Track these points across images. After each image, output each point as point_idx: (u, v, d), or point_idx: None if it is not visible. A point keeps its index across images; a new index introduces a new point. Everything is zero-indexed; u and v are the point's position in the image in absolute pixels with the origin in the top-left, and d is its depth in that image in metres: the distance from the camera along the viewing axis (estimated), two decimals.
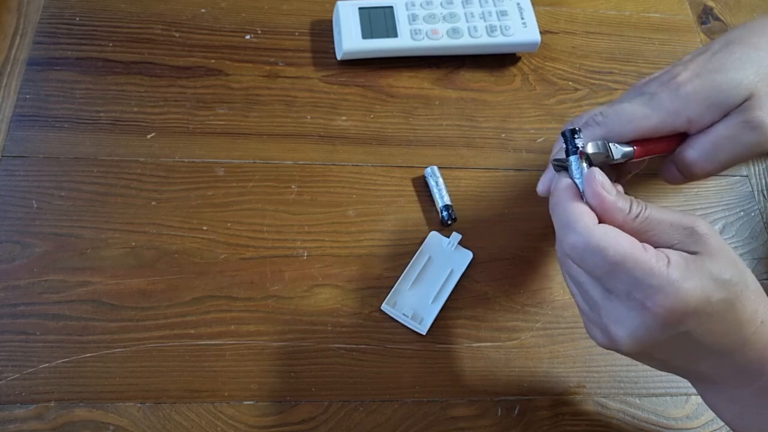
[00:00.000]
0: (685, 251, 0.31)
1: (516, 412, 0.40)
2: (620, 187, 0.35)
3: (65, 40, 0.50)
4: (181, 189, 0.45)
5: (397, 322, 0.42)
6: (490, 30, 0.51)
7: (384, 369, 0.41)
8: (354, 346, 0.41)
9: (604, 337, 0.33)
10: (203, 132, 0.47)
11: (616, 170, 0.39)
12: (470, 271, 0.44)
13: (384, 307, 0.42)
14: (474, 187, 0.47)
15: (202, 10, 0.53)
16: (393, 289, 0.43)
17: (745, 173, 0.50)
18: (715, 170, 0.37)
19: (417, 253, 0.44)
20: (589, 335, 0.35)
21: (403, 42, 0.50)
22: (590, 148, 0.34)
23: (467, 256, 0.44)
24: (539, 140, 0.50)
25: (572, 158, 0.34)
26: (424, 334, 0.42)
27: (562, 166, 0.35)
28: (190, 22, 0.52)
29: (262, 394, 0.39)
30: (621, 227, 0.32)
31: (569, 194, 0.33)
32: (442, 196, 0.45)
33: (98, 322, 0.40)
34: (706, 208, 0.48)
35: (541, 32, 0.52)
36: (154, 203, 0.44)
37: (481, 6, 0.52)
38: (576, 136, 0.34)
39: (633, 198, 0.33)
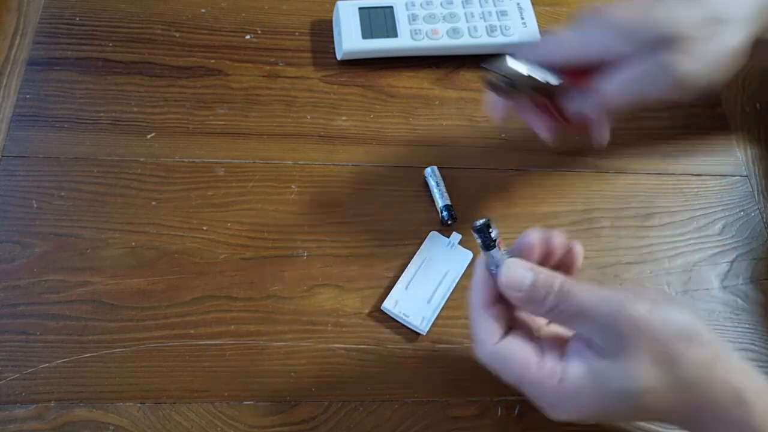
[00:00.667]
0: (601, 348, 0.32)
1: (516, 412, 0.40)
2: (558, 238, 0.35)
3: (65, 40, 0.50)
4: (181, 189, 0.45)
5: (397, 322, 0.42)
6: (490, 30, 0.51)
7: (384, 369, 0.41)
8: (354, 346, 0.41)
9: None
10: (203, 132, 0.47)
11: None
12: (470, 271, 0.44)
13: (384, 307, 0.42)
14: (474, 187, 0.47)
15: (202, 10, 0.53)
16: (393, 289, 0.43)
17: (745, 173, 0.50)
18: (628, 104, 0.36)
19: (417, 253, 0.44)
20: None
21: (403, 42, 0.50)
22: (509, 63, 0.34)
23: (467, 256, 0.44)
24: (539, 140, 0.50)
25: (490, 252, 0.34)
26: (424, 334, 0.42)
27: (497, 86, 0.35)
28: (190, 22, 0.52)
29: (262, 394, 0.39)
30: (539, 315, 0.34)
31: (480, 299, 0.34)
32: (442, 196, 0.45)
33: (98, 322, 0.40)
34: (705, 208, 0.48)
35: (541, 32, 0.52)
36: (154, 203, 0.44)
37: (481, 6, 0.52)
38: (490, 229, 0.34)
39: (553, 285, 0.33)
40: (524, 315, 0.36)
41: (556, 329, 0.36)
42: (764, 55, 0.40)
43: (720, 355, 0.32)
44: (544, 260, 0.36)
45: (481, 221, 0.34)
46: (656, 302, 0.32)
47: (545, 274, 0.33)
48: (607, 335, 0.31)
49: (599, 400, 0.32)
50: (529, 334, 0.35)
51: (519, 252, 0.35)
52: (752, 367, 0.33)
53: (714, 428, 0.32)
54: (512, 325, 0.35)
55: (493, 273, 0.35)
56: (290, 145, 0.48)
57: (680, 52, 0.34)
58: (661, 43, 0.35)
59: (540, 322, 0.36)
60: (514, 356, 0.33)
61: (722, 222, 0.48)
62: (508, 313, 0.35)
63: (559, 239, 0.35)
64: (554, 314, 0.33)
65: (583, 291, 0.32)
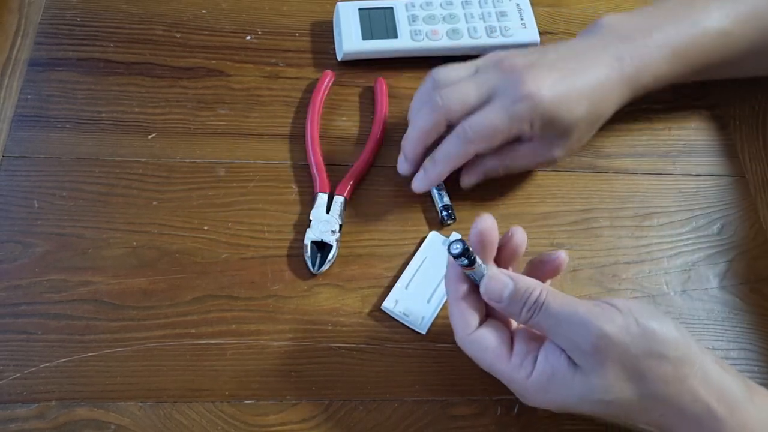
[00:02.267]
0: (573, 356, 0.33)
1: (515, 411, 0.40)
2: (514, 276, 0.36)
3: (67, 40, 0.50)
4: (183, 189, 0.45)
5: (397, 321, 0.42)
6: (490, 31, 0.51)
7: (384, 368, 0.41)
8: (354, 345, 0.42)
9: None
10: (204, 132, 0.48)
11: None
12: None
13: (384, 306, 0.42)
14: (474, 187, 0.47)
15: (203, 11, 0.53)
16: (393, 289, 0.43)
17: (743, 173, 0.50)
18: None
19: (417, 253, 0.44)
20: None
21: (403, 43, 0.51)
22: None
23: None
24: None
25: (475, 270, 0.35)
26: (424, 333, 0.42)
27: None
28: (191, 23, 0.52)
29: (263, 393, 0.40)
30: (518, 322, 0.36)
31: (455, 291, 0.36)
32: (442, 197, 0.46)
33: (99, 322, 0.40)
34: (704, 207, 0.49)
35: (540, 33, 0.52)
36: (155, 203, 0.45)
37: (480, 7, 0.52)
38: (468, 252, 0.34)
39: (531, 297, 0.34)
40: None
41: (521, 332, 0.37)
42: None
43: (694, 371, 0.32)
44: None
45: (459, 246, 0.34)
46: (633, 316, 0.32)
47: (524, 284, 0.34)
48: (578, 350, 0.33)
49: (564, 399, 0.34)
50: (506, 322, 0.37)
51: (480, 242, 0.35)
52: (734, 380, 0.33)
53: None
54: (489, 312, 0.37)
55: (474, 280, 0.36)
56: (291, 146, 0.48)
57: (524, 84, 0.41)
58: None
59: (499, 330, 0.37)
60: (486, 347, 0.35)
61: (721, 222, 0.48)
62: (484, 303, 0.36)
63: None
64: (530, 324, 0.34)
65: (560, 305, 0.33)
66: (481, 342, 0.35)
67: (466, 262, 0.34)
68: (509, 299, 0.34)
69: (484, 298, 0.35)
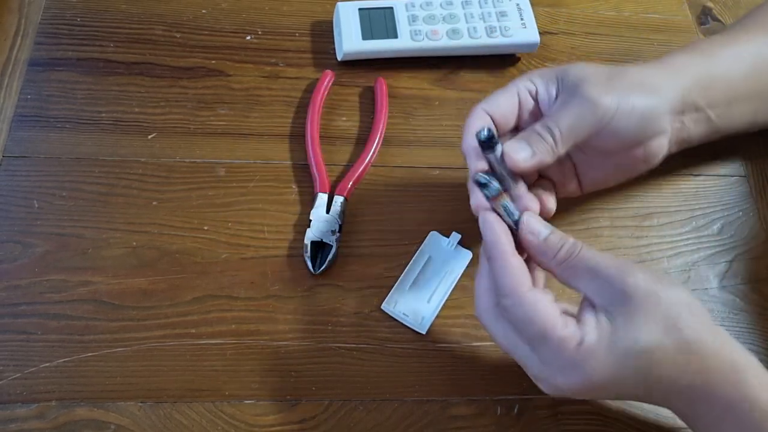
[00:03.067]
0: (608, 310, 0.33)
1: (515, 411, 0.40)
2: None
3: (66, 40, 0.50)
4: (183, 189, 0.45)
5: (397, 321, 0.42)
6: (490, 31, 0.51)
7: (384, 368, 0.41)
8: (354, 345, 0.42)
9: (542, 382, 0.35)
10: (204, 132, 0.48)
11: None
12: (470, 271, 0.44)
13: (384, 306, 0.42)
14: None
15: (203, 11, 0.53)
16: (393, 289, 0.43)
17: (743, 173, 0.50)
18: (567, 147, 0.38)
19: (417, 252, 0.44)
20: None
21: (403, 43, 0.51)
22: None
23: (467, 255, 0.45)
24: None
25: (505, 203, 0.35)
26: (424, 333, 0.42)
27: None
28: (191, 23, 0.52)
29: (263, 393, 0.40)
30: (551, 271, 0.35)
31: (507, 246, 0.34)
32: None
33: (99, 322, 0.40)
34: (704, 207, 0.49)
35: (540, 33, 0.52)
36: (155, 203, 0.45)
37: (480, 7, 0.52)
38: (494, 139, 0.35)
39: (568, 239, 0.34)
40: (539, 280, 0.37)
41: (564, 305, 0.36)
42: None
43: (714, 327, 0.33)
44: None
45: (485, 133, 0.35)
46: (657, 275, 0.33)
47: (560, 231, 0.35)
48: (613, 295, 0.32)
49: (611, 364, 0.32)
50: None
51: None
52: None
53: (715, 401, 0.32)
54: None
55: (507, 221, 0.36)
56: (291, 146, 0.48)
57: (598, 85, 0.37)
58: (574, 78, 0.38)
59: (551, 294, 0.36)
60: (544, 309, 0.33)
61: (721, 222, 0.48)
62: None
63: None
64: (565, 267, 0.34)
65: (594, 251, 0.34)
66: (539, 303, 0.33)
67: (492, 153, 0.35)
68: (549, 235, 0.34)
69: (525, 231, 0.35)
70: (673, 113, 0.40)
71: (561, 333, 0.32)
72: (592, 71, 0.38)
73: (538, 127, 0.37)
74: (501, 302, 0.34)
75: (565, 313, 0.34)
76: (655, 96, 0.39)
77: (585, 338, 0.32)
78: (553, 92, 0.39)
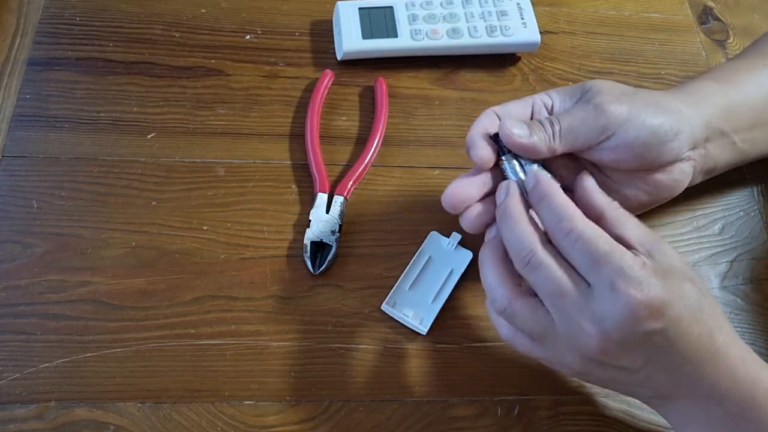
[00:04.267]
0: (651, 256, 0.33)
1: (516, 411, 0.40)
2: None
3: (65, 40, 0.50)
4: (182, 189, 0.45)
5: (397, 322, 0.42)
6: (490, 30, 0.51)
7: (384, 369, 0.41)
8: (354, 345, 0.41)
9: (585, 338, 0.33)
10: (203, 132, 0.48)
11: None
12: (470, 271, 0.44)
13: (384, 307, 0.42)
14: None
15: (203, 11, 0.53)
16: (393, 289, 0.43)
17: (744, 173, 0.50)
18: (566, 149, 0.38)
19: (417, 253, 0.44)
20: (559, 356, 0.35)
21: (403, 42, 0.50)
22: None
23: (467, 256, 0.44)
24: None
25: (515, 161, 0.37)
26: (424, 334, 0.42)
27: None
28: (191, 23, 0.52)
29: (263, 393, 0.40)
30: (599, 215, 0.35)
31: (557, 189, 0.35)
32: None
33: (99, 322, 0.40)
34: (705, 207, 0.48)
35: (540, 32, 0.52)
36: (154, 203, 0.44)
37: (480, 6, 0.52)
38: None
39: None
40: None
41: None
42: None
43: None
44: None
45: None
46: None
47: None
48: (653, 244, 0.33)
49: (676, 287, 0.32)
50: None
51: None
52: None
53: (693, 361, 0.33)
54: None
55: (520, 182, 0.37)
56: (290, 145, 0.48)
57: (610, 95, 0.38)
58: (591, 91, 0.38)
59: None
60: (603, 234, 0.33)
61: (722, 222, 0.48)
62: None
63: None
64: (616, 208, 0.35)
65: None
66: (600, 229, 0.33)
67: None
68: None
69: (583, 183, 0.35)
70: (697, 141, 0.40)
71: (627, 251, 0.32)
72: (610, 86, 0.39)
73: (542, 117, 0.38)
74: (564, 228, 0.33)
75: None
76: (669, 115, 0.38)
77: (646, 261, 0.32)
78: (569, 106, 0.39)
